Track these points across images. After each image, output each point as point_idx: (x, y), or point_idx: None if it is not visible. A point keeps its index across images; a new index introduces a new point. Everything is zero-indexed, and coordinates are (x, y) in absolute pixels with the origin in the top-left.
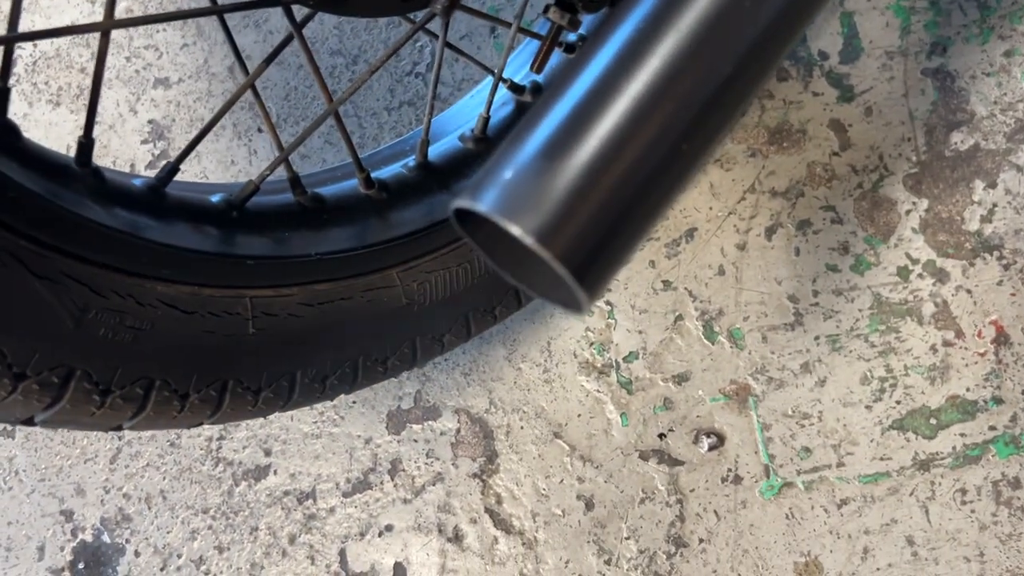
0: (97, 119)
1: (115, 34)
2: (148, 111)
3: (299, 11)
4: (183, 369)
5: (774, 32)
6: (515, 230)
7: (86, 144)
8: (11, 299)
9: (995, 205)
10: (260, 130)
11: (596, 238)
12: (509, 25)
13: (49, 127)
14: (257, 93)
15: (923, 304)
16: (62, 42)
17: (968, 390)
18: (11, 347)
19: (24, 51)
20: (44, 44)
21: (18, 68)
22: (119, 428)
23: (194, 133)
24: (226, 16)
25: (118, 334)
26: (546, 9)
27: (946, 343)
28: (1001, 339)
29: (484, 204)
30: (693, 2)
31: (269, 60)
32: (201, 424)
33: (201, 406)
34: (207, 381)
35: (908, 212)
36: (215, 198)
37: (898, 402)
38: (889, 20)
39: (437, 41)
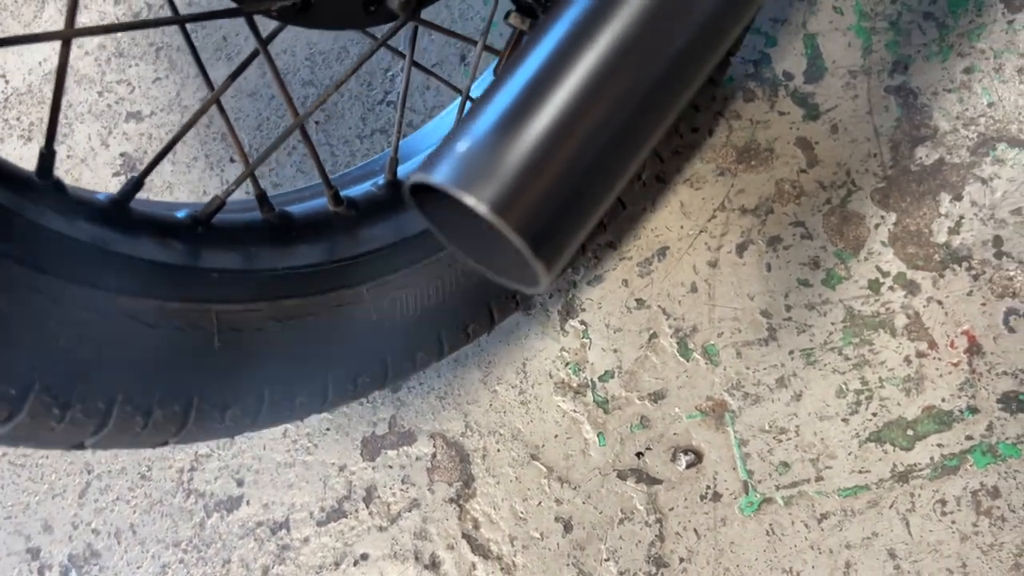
0: (70, 153)
1: (87, 68)
2: (120, 144)
3: (266, 28)
4: (146, 384)
5: (728, 8)
6: (470, 201)
7: (47, 155)
8: None
9: (962, 217)
10: (232, 160)
11: (552, 209)
12: (475, 43)
13: (20, 163)
14: (222, 107)
15: (895, 316)
16: (34, 78)
17: (943, 400)
18: None
19: None
20: (16, 80)
21: None
22: (81, 446)
23: (168, 167)
24: (200, 49)
25: (79, 346)
26: (507, 15)
27: (919, 354)
28: (974, 349)
29: (439, 176)
30: None
31: (235, 75)
32: (166, 443)
33: (165, 423)
34: (172, 397)
35: (877, 226)
36: (180, 214)
37: (874, 414)
38: (851, 40)
39: (404, 60)
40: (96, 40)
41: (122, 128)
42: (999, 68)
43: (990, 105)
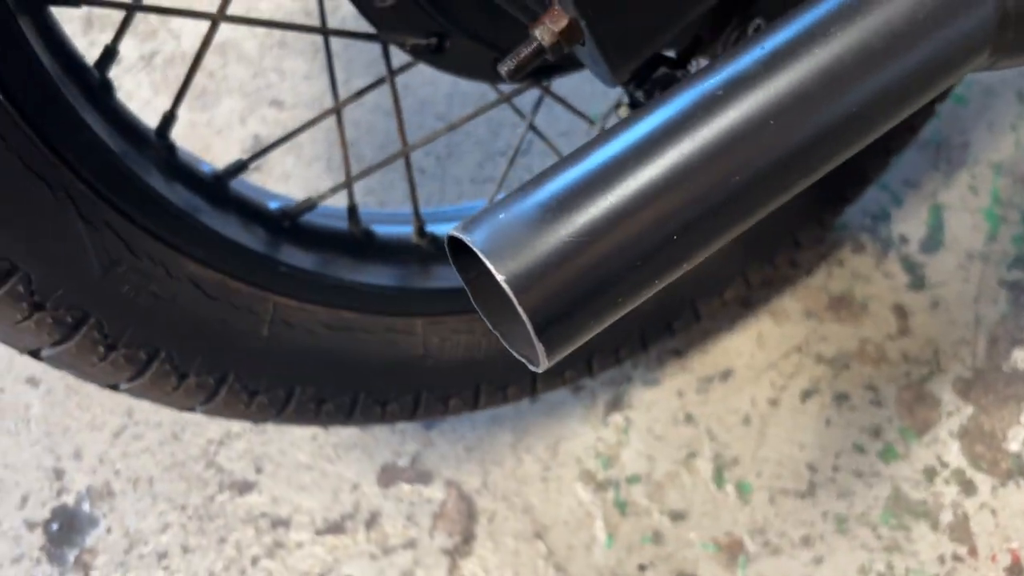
0: (210, 122)
1: (248, 49)
2: (256, 125)
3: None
4: (190, 348)
5: (791, 164)
6: (491, 267)
7: (169, 117)
8: (53, 232)
9: None
10: None
11: (569, 302)
12: (592, 123)
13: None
14: (340, 119)
15: (942, 511)
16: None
17: None
18: (39, 275)
19: (167, 46)
20: (186, 43)
21: (158, 59)
22: (116, 387)
23: (291, 159)
24: (353, 60)
25: (140, 296)
26: (617, 106)
27: (956, 557)
28: (1015, 570)
29: (473, 236)
30: (724, 113)
31: (359, 93)
32: (193, 409)
33: (196, 390)
34: (209, 367)
35: (950, 414)
36: (273, 204)
37: None
38: (978, 223)
39: (524, 121)
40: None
41: (263, 112)
42: None
43: None
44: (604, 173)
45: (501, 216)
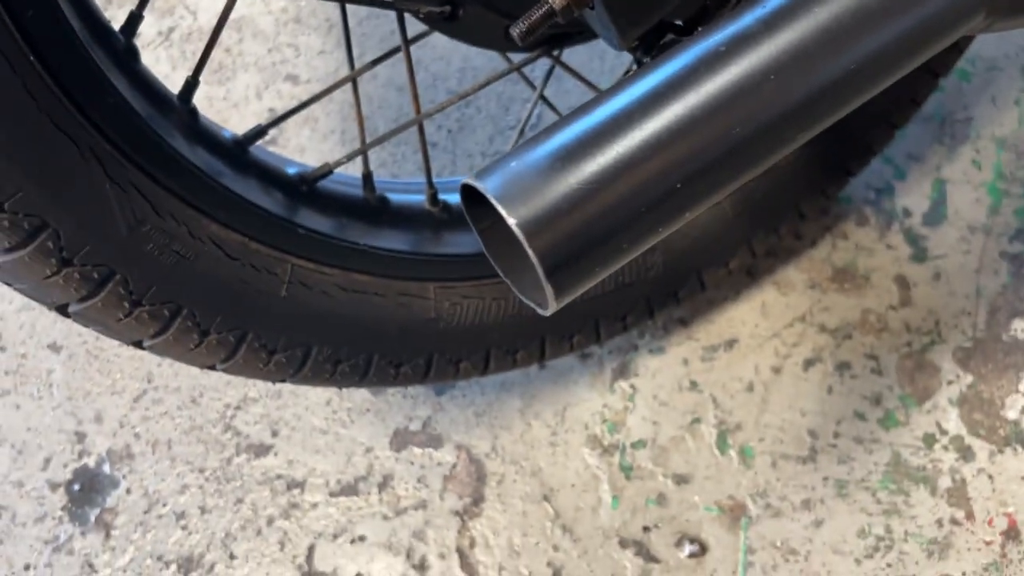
0: (226, 96)
1: (265, 25)
2: (272, 100)
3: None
4: (211, 307)
5: (790, 118)
6: (504, 213)
7: (192, 83)
8: (81, 190)
9: None
10: None
11: (577, 246)
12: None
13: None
14: (356, 88)
15: (940, 476)
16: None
17: (963, 574)
18: (67, 232)
19: (184, 22)
20: (203, 18)
21: (175, 35)
22: (140, 343)
23: (306, 132)
24: (367, 35)
25: (163, 254)
26: (626, 74)
27: (953, 521)
28: (1011, 533)
29: (486, 184)
30: (726, 68)
31: (375, 62)
32: (214, 367)
33: (217, 348)
34: (229, 326)
35: (950, 383)
36: (291, 169)
37: (889, 565)
38: (980, 197)
39: (535, 92)
40: (281, 2)
41: (278, 86)
42: None
43: None
44: (612, 124)
45: (513, 164)
